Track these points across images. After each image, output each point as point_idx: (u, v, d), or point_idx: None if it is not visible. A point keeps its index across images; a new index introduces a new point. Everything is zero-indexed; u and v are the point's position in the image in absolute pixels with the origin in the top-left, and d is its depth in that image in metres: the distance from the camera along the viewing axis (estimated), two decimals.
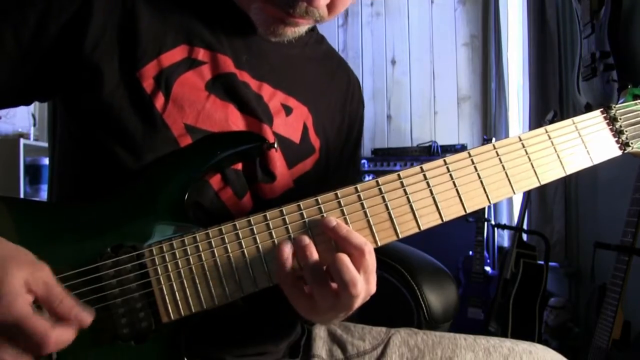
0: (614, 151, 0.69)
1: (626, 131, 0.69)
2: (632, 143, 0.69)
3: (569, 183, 2.38)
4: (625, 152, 0.70)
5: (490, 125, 3.18)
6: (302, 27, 0.70)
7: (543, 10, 2.50)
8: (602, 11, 1.79)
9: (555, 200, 2.42)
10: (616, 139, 0.69)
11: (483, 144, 0.64)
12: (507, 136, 2.93)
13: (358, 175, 0.91)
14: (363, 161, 3.02)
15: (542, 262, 2.14)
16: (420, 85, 3.42)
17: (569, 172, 0.66)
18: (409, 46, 3.44)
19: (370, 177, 0.61)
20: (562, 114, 2.32)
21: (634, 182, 1.49)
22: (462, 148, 3.11)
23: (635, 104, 0.71)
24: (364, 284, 0.55)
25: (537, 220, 2.50)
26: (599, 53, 1.78)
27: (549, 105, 2.40)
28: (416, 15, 3.45)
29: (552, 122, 2.17)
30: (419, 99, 3.42)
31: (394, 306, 0.99)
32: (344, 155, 0.84)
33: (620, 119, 0.70)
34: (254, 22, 0.69)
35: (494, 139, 2.33)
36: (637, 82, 0.76)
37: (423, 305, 0.97)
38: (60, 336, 0.49)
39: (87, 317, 0.50)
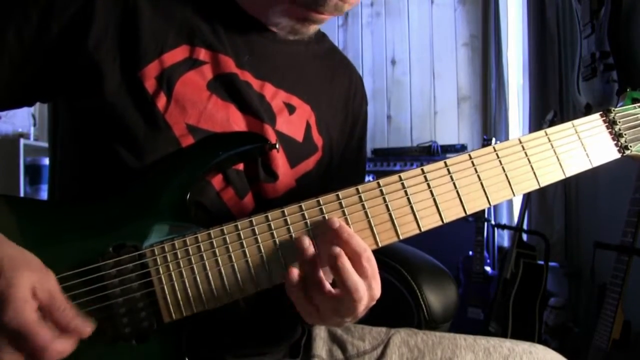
0: (613, 154, 0.70)
1: (625, 134, 0.70)
2: (630, 146, 0.70)
3: (569, 183, 2.37)
4: (624, 155, 0.70)
5: (490, 125, 3.18)
6: (322, 23, 0.71)
7: (543, 10, 2.50)
8: (602, 11, 1.79)
9: (555, 200, 2.42)
10: (615, 142, 0.70)
11: (483, 144, 0.64)
12: (507, 136, 2.93)
13: (361, 179, 0.90)
14: None
15: (542, 262, 2.14)
16: (420, 85, 3.41)
17: (568, 175, 0.67)
18: (409, 46, 3.44)
19: (371, 178, 0.61)
20: (562, 114, 2.32)
21: (634, 182, 1.49)
22: (462, 148, 3.11)
23: (634, 107, 0.72)
24: (365, 289, 0.55)
25: (537, 220, 2.50)
26: (599, 53, 1.78)
27: (549, 105, 2.40)
28: (416, 16, 3.45)
29: (552, 122, 2.15)
30: (419, 99, 3.42)
31: (394, 306, 0.99)
32: (346, 155, 0.84)
33: (619, 122, 0.70)
34: (272, 23, 0.69)
35: (494, 139, 2.33)
36: (635, 85, 0.76)
37: (423, 305, 0.97)
38: (61, 347, 0.49)
39: (86, 329, 0.51)
